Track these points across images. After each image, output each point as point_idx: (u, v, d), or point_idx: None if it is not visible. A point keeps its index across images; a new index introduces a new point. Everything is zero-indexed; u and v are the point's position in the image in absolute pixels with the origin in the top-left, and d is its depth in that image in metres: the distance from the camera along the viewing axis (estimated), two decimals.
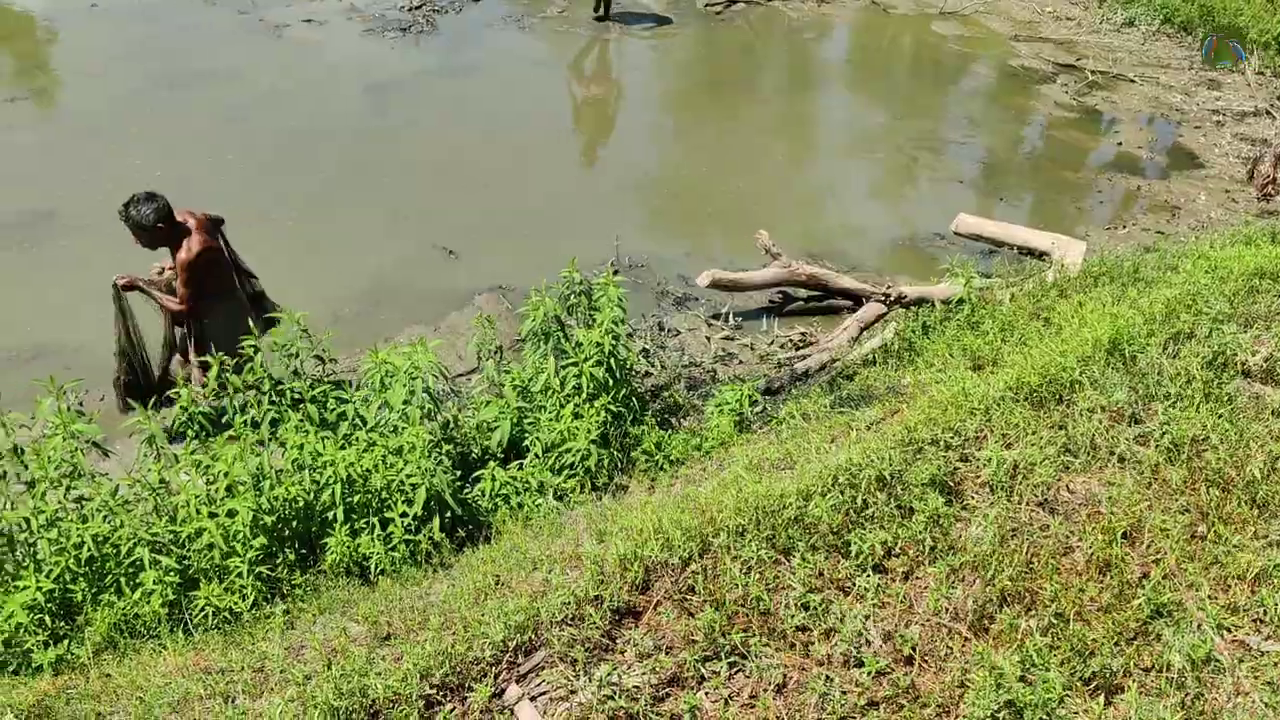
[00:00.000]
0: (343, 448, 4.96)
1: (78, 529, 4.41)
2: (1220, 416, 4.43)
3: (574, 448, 5.53)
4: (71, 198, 8.80)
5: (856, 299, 8.12)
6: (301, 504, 4.80)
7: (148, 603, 4.34)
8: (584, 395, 5.72)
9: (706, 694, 3.38)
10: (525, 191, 9.78)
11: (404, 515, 4.83)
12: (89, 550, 4.39)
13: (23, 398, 5.63)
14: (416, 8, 13.64)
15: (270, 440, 5.03)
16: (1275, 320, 5.35)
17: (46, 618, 4.29)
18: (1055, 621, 3.49)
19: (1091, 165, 11.19)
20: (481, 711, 3.32)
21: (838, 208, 10.18)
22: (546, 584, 3.84)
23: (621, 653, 3.54)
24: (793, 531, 3.86)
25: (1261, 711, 3.19)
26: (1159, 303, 5.48)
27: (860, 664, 3.43)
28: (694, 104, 12.30)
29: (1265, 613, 3.51)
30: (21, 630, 4.22)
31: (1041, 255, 8.42)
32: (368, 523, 4.83)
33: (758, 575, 3.71)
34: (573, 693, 3.36)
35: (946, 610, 3.60)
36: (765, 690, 3.36)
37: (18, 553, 4.46)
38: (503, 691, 3.40)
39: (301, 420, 5.13)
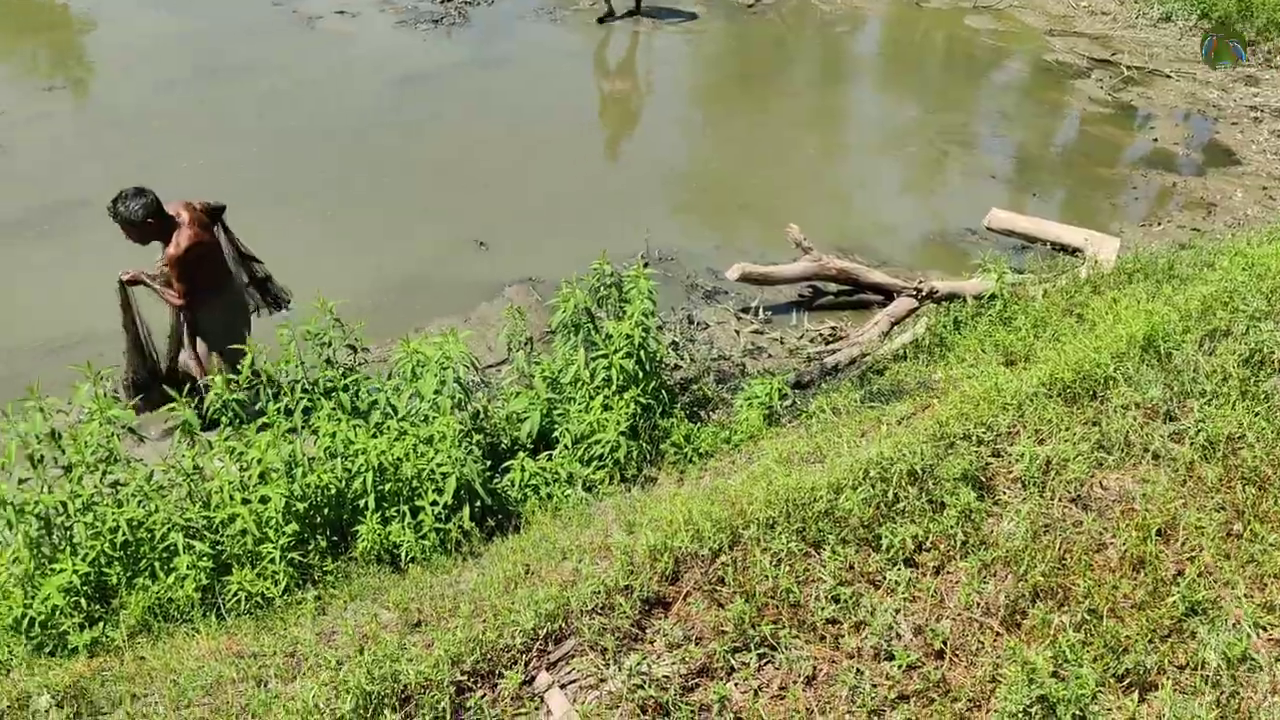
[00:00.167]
0: (374, 436, 4.99)
1: (113, 513, 4.46)
2: (1257, 414, 4.37)
3: (603, 439, 5.54)
4: (104, 187, 8.82)
5: (887, 294, 8.08)
6: (333, 491, 4.83)
7: (181, 587, 4.39)
8: (613, 387, 5.72)
9: (736, 685, 3.38)
10: (555, 183, 9.80)
11: (434, 504, 4.86)
12: (124, 534, 4.44)
13: (59, 384, 5.69)
14: (448, 0, 13.69)
15: (303, 428, 5.07)
16: None
17: (82, 600, 4.34)
18: (1088, 618, 3.47)
19: (1126, 161, 11.09)
20: (512, 698, 3.33)
21: (868, 202, 10.14)
22: (576, 573, 3.85)
23: (651, 642, 3.54)
24: (823, 524, 3.85)
25: None
26: (1195, 300, 5.41)
27: (891, 657, 3.42)
28: (725, 97, 12.28)
29: None
30: (58, 612, 4.27)
31: (1075, 251, 8.35)
32: (398, 511, 4.86)
33: (788, 567, 3.70)
34: (602, 681, 3.37)
35: (978, 605, 3.58)
36: (795, 682, 3.36)
37: (54, 536, 4.51)
38: (533, 679, 3.42)
39: (334, 409, 5.16)
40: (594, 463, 5.57)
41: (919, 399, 5.29)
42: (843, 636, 3.50)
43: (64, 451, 4.62)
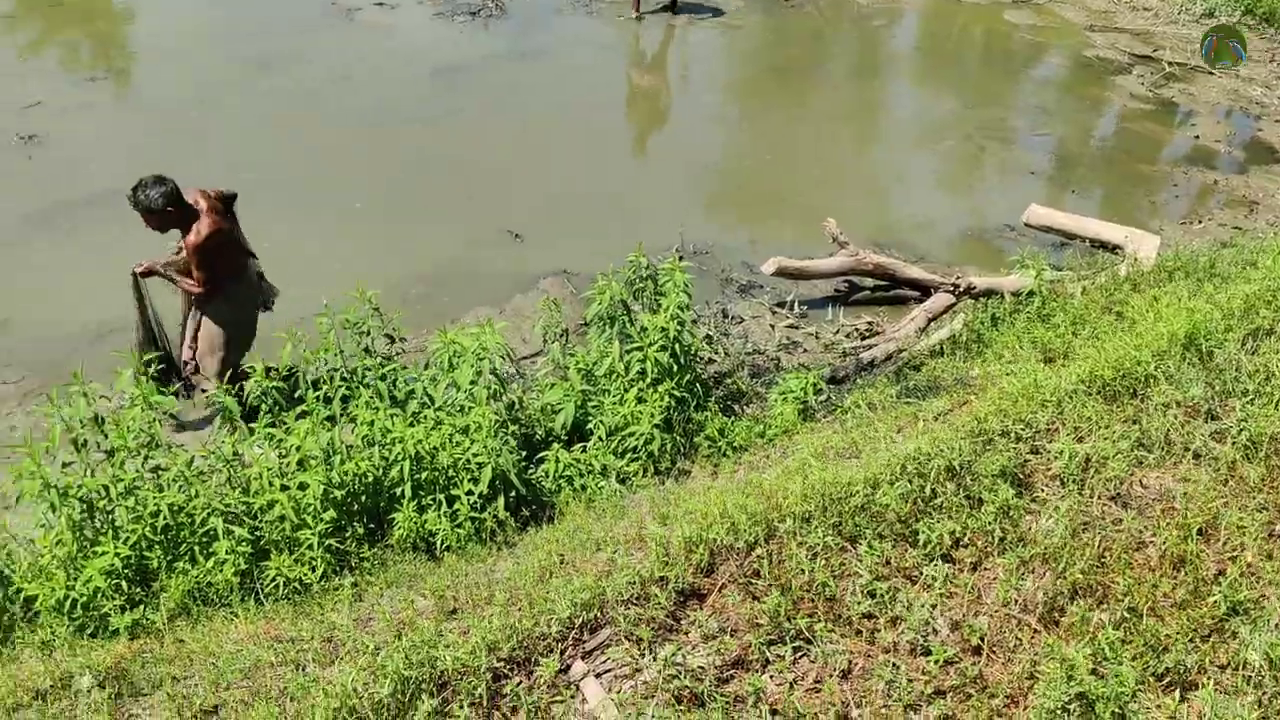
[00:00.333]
0: (411, 425, 5.02)
1: (154, 498, 4.52)
2: None
3: (637, 431, 5.55)
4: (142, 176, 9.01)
5: (924, 289, 8.03)
6: (370, 479, 4.87)
7: (220, 571, 4.44)
8: (648, 380, 5.73)
9: (771, 677, 3.38)
10: (590, 176, 9.81)
11: (470, 493, 4.89)
12: (165, 519, 4.50)
13: (102, 369, 5.77)
14: None
15: (341, 416, 5.11)
16: None
17: (123, 583, 4.39)
18: (1128, 616, 3.45)
19: (1167, 158, 10.97)
20: (548, 686, 3.35)
21: (905, 197, 10.08)
22: (611, 564, 3.86)
23: (686, 633, 3.55)
24: (859, 519, 3.84)
25: None
26: (1237, 298, 5.35)
27: (927, 652, 3.41)
28: (761, 91, 12.24)
29: None
30: (99, 594, 4.33)
31: (1114, 249, 8.26)
32: (434, 499, 4.89)
33: (823, 561, 3.70)
34: (638, 671, 3.38)
35: (1016, 601, 3.56)
36: (830, 675, 3.36)
37: (97, 519, 4.57)
38: (568, 667, 3.43)
39: (371, 397, 5.20)
40: (628, 455, 5.58)
41: (956, 395, 5.26)
42: (879, 631, 3.50)
43: (107, 436, 4.68)
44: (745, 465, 5.33)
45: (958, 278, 7.89)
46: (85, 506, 4.52)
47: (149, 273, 6.13)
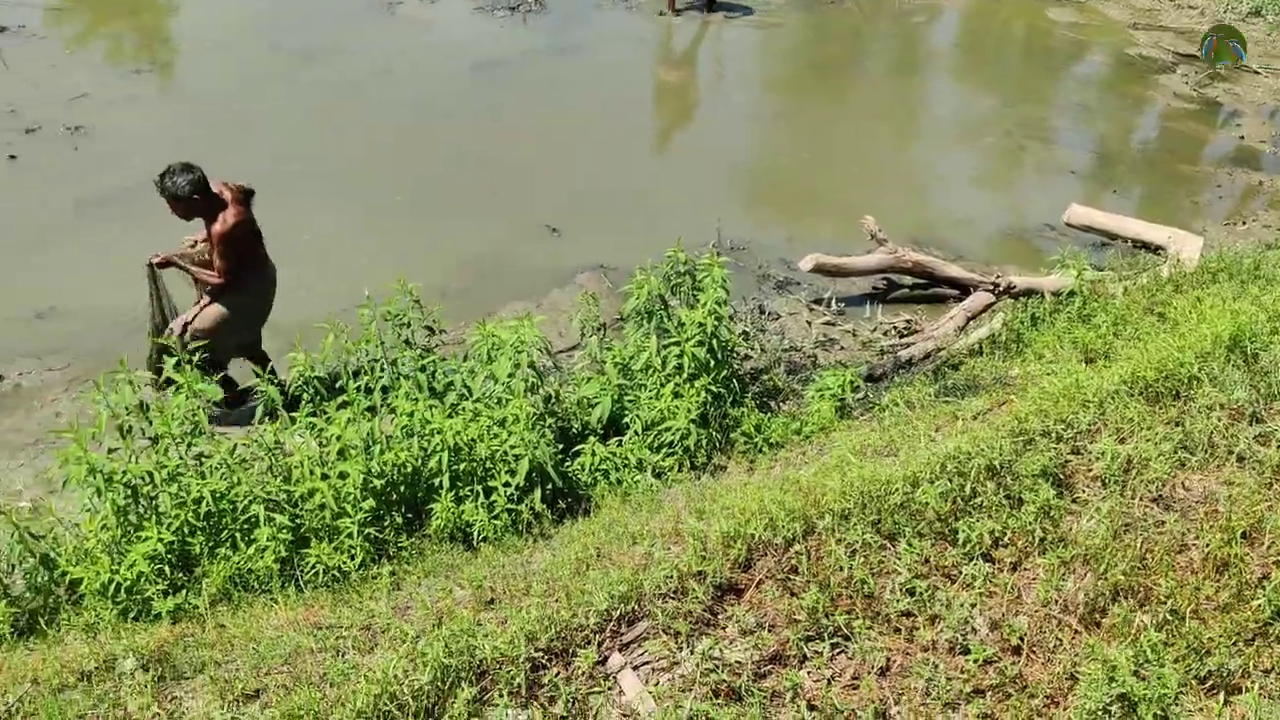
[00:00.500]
0: (450, 417, 5.06)
1: (197, 484, 4.57)
2: None
3: (673, 426, 5.55)
4: None
5: (963, 288, 7.99)
6: (409, 469, 4.91)
7: (261, 558, 4.48)
8: (685, 375, 5.73)
9: (809, 673, 3.38)
10: (628, 171, 9.83)
11: (507, 485, 4.91)
12: (207, 505, 4.55)
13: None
14: None
15: (381, 407, 5.15)
16: None
17: (166, 568, 4.45)
18: (1170, 618, 3.41)
19: (1210, 159, 10.85)
20: (586, 677, 3.36)
21: (944, 195, 10.02)
22: (648, 557, 3.87)
23: (723, 628, 3.55)
24: (899, 517, 3.83)
25: None
26: None
27: (966, 651, 3.40)
28: (799, 87, 12.20)
29: None
30: (143, 579, 4.38)
31: (1156, 249, 8.18)
32: (472, 490, 4.92)
33: (862, 559, 3.69)
34: (675, 664, 3.39)
35: (1056, 602, 3.54)
36: (868, 672, 3.35)
37: (141, 505, 4.63)
38: (606, 659, 3.45)
39: (411, 389, 5.24)
40: (664, 449, 5.58)
41: (995, 395, 5.23)
42: (917, 629, 3.49)
43: (151, 423, 4.75)
44: (781, 462, 5.33)
45: (997, 277, 7.83)
46: (130, 492, 4.58)
47: (166, 264, 6.15)
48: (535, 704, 3.29)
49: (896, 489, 3.92)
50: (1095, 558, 3.65)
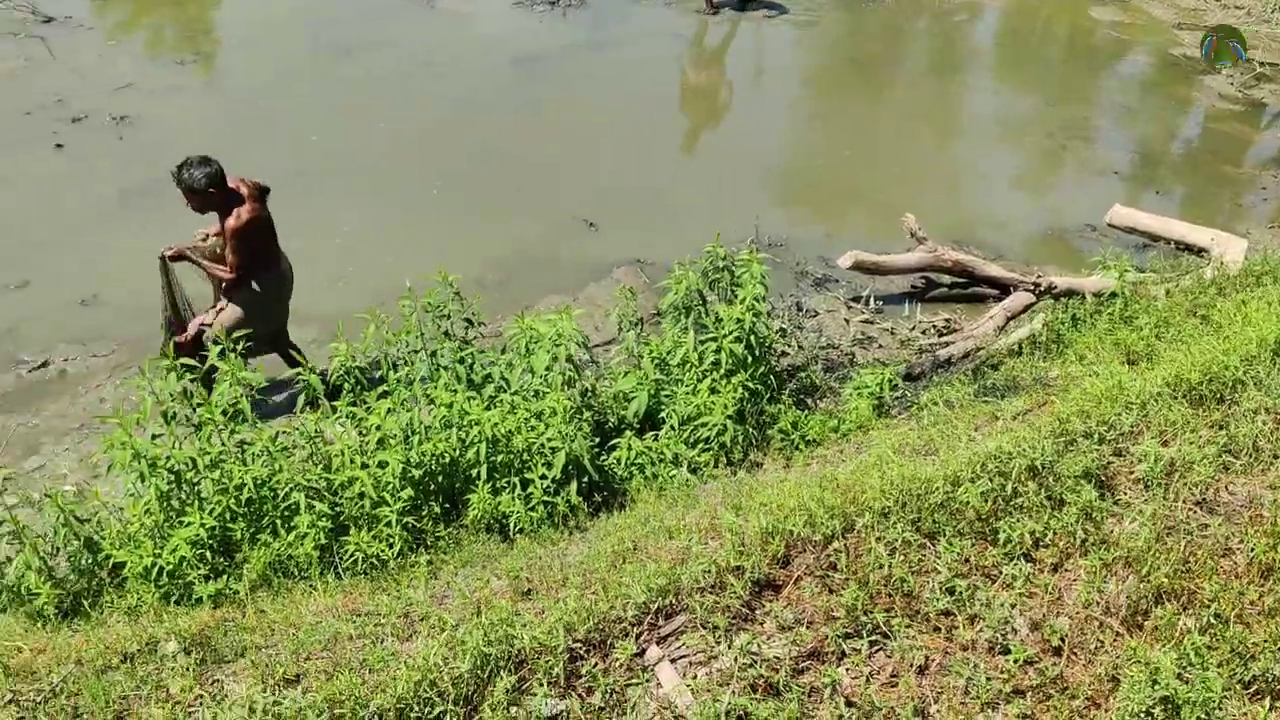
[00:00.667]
0: (488, 409, 5.08)
1: (239, 471, 4.62)
2: None
3: (710, 422, 5.55)
4: (227, 159, 9.23)
5: (1003, 288, 7.92)
6: (448, 460, 4.94)
7: (301, 545, 4.53)
8: (722, 371, 5.73)
9: (847, 670, 3.37)
10: (666, 167, 9.82)
11: (543, 477, 4.93)
12: (249, 492, 4.60)
13: None
14: None
15: (421, 398, 5.18)
16: None
17: (208, 553, 4.51)
18: (1214, 622, 3.38)
19: (1255, 160, 10.70)
20: (624, 669, 3.37)
21: (985, 194, 9.95)
22: (686, 552, 3.87)
23: (761, 623, 3.55)
24: (939, 516, 3.81)
25: None
26: None
27: (1006, 651, 3.38)
28: (838, 85, 12.15)
29: None
30: (185, 563, 4.44)
31: (1200, 251, 8.08)
32: (509, 482, 4.95)
33: (902, 557, 3.67)
34: (713, 658, 3.39)
35: (1098, 603, 3.51)
36: (907, 670, 3.34)
37: (183, 491, 4.68)
38: (643, 651, 3.45)
39: (450, 380, 5.27)
40: (699, 445, 5.58)
41: (1035, 395, 5.19)
42: (957, 628, 3.47)
43: (195, 410, 4.80)
44: (819, 459, 5.31)
45: (1038, 277, 7.77)
46: (173, 477, 4.63)
47: (179, 256, 6.18)
48: (573, 694, 3.30)
49: (937, 488, 3.90)
50: (1138, 560, 3.62)
